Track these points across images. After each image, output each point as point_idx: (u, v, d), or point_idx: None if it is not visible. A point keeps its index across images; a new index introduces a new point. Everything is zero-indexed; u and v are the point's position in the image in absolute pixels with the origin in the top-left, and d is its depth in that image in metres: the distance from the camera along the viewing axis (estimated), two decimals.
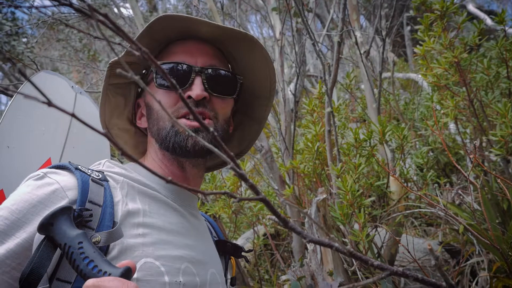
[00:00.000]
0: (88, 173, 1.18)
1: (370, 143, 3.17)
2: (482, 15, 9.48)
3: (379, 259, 3.17)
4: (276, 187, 3.93)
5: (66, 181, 1.14)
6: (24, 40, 8.29)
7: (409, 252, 2.68)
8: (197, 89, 1.30)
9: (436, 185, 4.10)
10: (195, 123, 1.27)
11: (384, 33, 4.08)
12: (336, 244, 0.59)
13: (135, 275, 1.06)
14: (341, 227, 2.99)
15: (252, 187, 0.56)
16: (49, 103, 0.48)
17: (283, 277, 3.24)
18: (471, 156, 3.04)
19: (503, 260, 2.51)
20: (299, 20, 4.90)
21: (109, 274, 0.90)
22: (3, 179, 2.08)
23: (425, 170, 3.68)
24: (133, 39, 0.52)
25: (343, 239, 3.00)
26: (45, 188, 1.12)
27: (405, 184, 3.22)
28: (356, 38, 3.99)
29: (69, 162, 1.22)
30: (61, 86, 2.44)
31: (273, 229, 4.66)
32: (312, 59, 10.35)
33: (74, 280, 1.02)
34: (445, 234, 4.25)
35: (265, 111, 1.56)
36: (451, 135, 4.86)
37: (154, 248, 1.15)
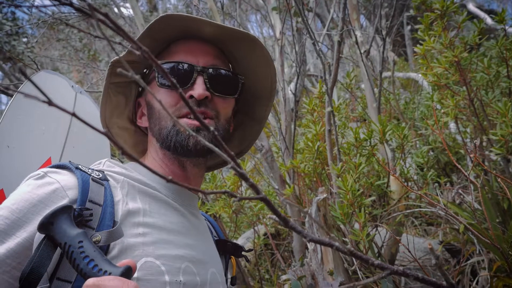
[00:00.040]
0: (89, 173, 1.18)
1: (370, 142, 3.17)
2: (482, 14, 9.48)
3: (379, 259, 3.17)
4: (277, 187, 3.93)
5: (66, 180, 1.14)
6: (25, 40, 8.29)
7: (409, 251, 2.68)
8: (199, 89, 1.30)
9: (436, 184, 4.11)
10: (196, 122, 1.27)
11: (384, 32, 4.08)
12: (337, 243, 0.59)
13: (135, 275, 1.06)
14: (342, 226, 2.99)
15: (253, 186, 0.56)
16: (50, 103, 0.48)
17: (284, 277, 3.24)
18: (472, 156, 3.04)
19: (503, 259, 2.51)
20: (299, 19, 4.90)
21: (110, 273, 0.90)
22: (3, 179, 2.08)
23: (425, 169, 3.68)
24: (133, 39, 0.52)
25: (344, 238, 3.01)
26: (46, 187, 1.12)
27: (406, 184, 3.22)
28: (356, 37, 3.99)
29: (70, 161, 1.22)
30: (61, 86, 2.44)
31: (274, 229, 4.66)
32: (313, 58, 10.35)
33: (75, 280, 1.02)
34: (445, 233, 4.25)
35: (266, 111, 1.56)
36: (451, 134, 4.86)
37: (155, 248, 1.15)
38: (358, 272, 2.91)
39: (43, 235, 1.01)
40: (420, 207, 3.29)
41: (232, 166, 0.55)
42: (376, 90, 4.04)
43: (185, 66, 1.33)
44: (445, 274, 0.70)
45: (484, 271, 3.08)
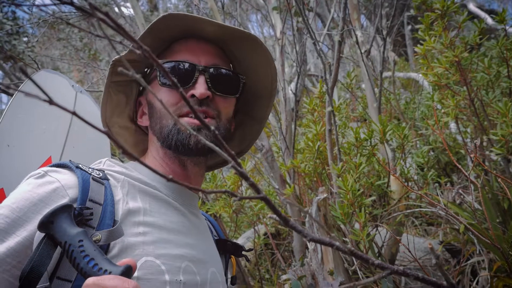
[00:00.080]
0: (89, 172, 1.18)
1: (370, 142, 3.17)
2: (482, 14, 9.47)
3: (379, 259, 3.17)
4: (277, 186, 3.93)
5: (67, 179, 1.14)
6: (25, 39, 8.29)
7: (409, 251, 2.68)
8: (200, 88, 1.30)
9: (436, 184, 4.11)
10: (197, 121, 1.27)
11: (384, 32, 4.08)
12: (337, 243, 0.59)
13: (135, 274, 1.06)
14: (342, 226, 2.99)
15: (253, 186, 0.56)
16: (51, 102, 0.48)
17: (284, 277, 3.24)
18: (472, 156, 3.04)
19: (503, 259, 2.51)
20: (300, 19, 4.90)
21: (110, 272, 0.90)
22: (3, 178, 2.08)
23: (425, 169, 3.68)
24: (134, 38, 0.52)
25: (344, 238, 3.01)
26: (46, 186, 1.12)
27: (406, 184, 3.22)
28: (356, 37, 3.99)
29: (70, 160, 1.22)
30: (61, 85, 2.44)
31: (274, 229, 4.66)
32: (313, 58, 10.35)
33: (75, 279, 1.02)
34: (445, 233, 4.25)
35: (266, 110, 1.57)
36: (451, 134, 4.85)
37: (155, 247, 1.15)
38: (358, 272, 2.91)
39: (43, 234, 1.01)
40: (420, 207, 3.29)
41: (233, 165, 0.55)
42: (376, 90, 4.04)
43: (187, 65, 1.33)
44: (445, 274, 0.70)
45: (484, 271, 3.08)
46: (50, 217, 0.99)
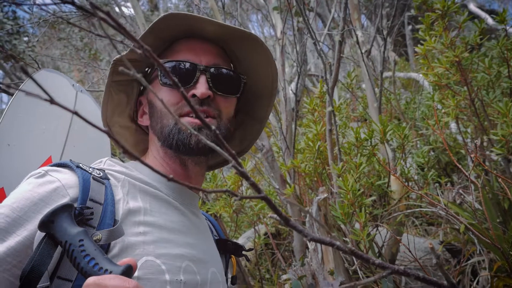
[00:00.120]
0: (89, 171, 1.18)
1: (371, 142, 3.17)
2: (483, 14, 9.47)
3: (380, 258, 3.17)
4: (277, 186, 3.93)
5: (67, 179, 1.14)
6: (26, 39, 8.28)
7: (410, 251, 2.68)
8: (201, 88, 1.30)
9: (437, 184, 4.11)
10: (198, 121, 1.27)
11: (385, 32, 4.08)
12: (338, 243, 0.59)
13: (136, 274, 1.06)
14: (342, 226, 2.99)
15: (254, 186, 0.57)
16: (51, 101, 0.48)
17: (284, 276, 3.24)
18: (472, 156, 3.04)
19: (504, 259, 2.51)
20: (300, 19, 4.90)
21: (110, 272, 0.90)
22: (4, 178, 2.08)
23: (426, 169, 3.67)
24: (135, 37, 0.52)
25: (344, 238, 3.01)
26: (46, 186, 1.12)
27: (406, 184, 3.22)
28: (357, 37, 3.99)
29: (70, 160, 1.22)
30: (61, 84, 2.44)
31: (274, 228, 4.66)
32: (313, 58, 10.35)
33: (75, 278, 1.02)
34: (446, 233, 4.25)
35: (267, 110, 1.57)
36: (452, 134, 4.85)
37: (155, 247, 1.15)
38: (359, 271, 2.91)
39: (44, 234, 1.01)
40: (420, 207, 3.29)
41: (233, 165, 0.55)
42: (377, 90, 4.04)
43: (188, 65, 1.33)
44: (445, 274, 0.70)
45: (484, 271, 3.08)
46: (51, 216, 0.99)
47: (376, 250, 3.20)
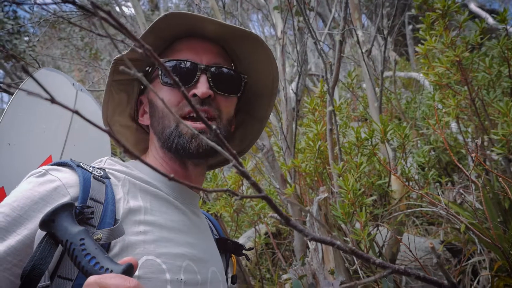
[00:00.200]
0: (90, 171, 1.18)
1: (371, 142, 3.17)
2: (483, 14, 9.46)
3: (380, 258, 3.17)
4: (278, 186, 3.93)
5: (67, 178, 1.14)
6: (26, 38, 8.28)
7: (410, 251, 2.67)
8: (202, 87, 1.30)
9: (437, 184, 4.10)
10: (199, 125, 1.27)
11: (385, 32, 4.08)
12: (338, 242, 0.59)
13: (136, 273, 1.06)
14: (343, 226, 2.99)
15: (254, 185, 0.56)
16: (52, 100, 0.48)
17: (285, 276, 3.24)
18: (473, 155, 3.03)
19: (504, 259, 2.51)
20: (301, 19, 4.90)
21: (111, 271, 0.90)
22: (4, 177, 2.08)
23: (426, 169, 3.67)
24: (136, 37, 0.52)
25: (345, 238, 3.01)
26: (47, 185, 1.12)
27: (407, 183, 3.22)
28: (357, 37, 3.99)
29: (71, 159, 1.22)
30: (62, 83, 2.44)
31: (275, 228, 4.66)
32: (314, 58, 10.35)
33: (76, 277, 1.02)
34: (446, 233, 4.25)
35: (267, 110, 1.56)
36: (452, 134, 4.85)
37: (156, 246, 1.15)
38: (359, 271, 2.91)
39: (44, 233, 1.01)
40: (421, 206, 3.28)
41: (234, 165, 0.55)
42: (377, 89, 4.04)
43: (188, 64, 1.33)
44: (446, 273, 0.70)
45: (485, 270, 3.07)
46: (51, 215, 0.99)
47: (377, 249, 3.20)
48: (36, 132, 2.26)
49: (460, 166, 2.36)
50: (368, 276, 3.09)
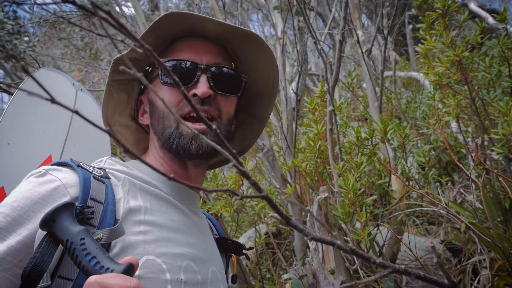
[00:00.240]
0: (90, 170, 1.18)
1: (371, 141, 3.17)
2: (483, 13, 9.45)
3: (380, 258, 3.17)
4: (278, 186, 3.93)
5: (68, 178, 1.14)
6: (26, 38, 8.28)
7: (410, 250, 2.68)
8: (202, 87, 1.30)
9: (437, 183, 4.10)
10: (200, 127, 1.27)
11: (385, 31, 4.07)
12: (339, 242, 0.59)
13: (136, 273, 1.06)
14: (343, 225, 2.99)
15: (254, 185, 0.56)
16: (52, 100, 0.48)
17: (285, 276, 3.24)
18: (473, 155, 3.03)
19: (504, 258, 2.51)
20: (301, 18, 4.90)
21: (112, 271, 0.90)
22: (4, 177, 2.08)
23: (426, 168, 3.67)
24: (136, 36, 0.52)
25: (345, 237, 3.01)
26: (47, 185, 1.12)
27: (407, 183, 3.22)
28: (358, 36, 3.99)
29: (71, 159, 1.22)
30: (62, 83, 2.44)
31: (275, 228, 4.66)
32: (314, 57, 10.35)
33: (76, 277, 1.02)
34: (446, 232, 4.25)
35: (267, 109, 1.56)
36: (452, 133, 4.85)
37: (156, 246, 1.15)
38: (360, 271, 2.91)
39: (44, 233, 1.01)
40: (421, 206, 3.28)
41: (234, 164, 0.55)
42: (377, 89, 4.04)
43: (188, 64, 1.33)
44: (446, 273, 0.70)
45: (485, 270, 3.08)
46: (52, 215, 0.99)
47: (377, 249, 3.20)
48: (36, 132, 2.26)
49: (460, 165, 2.36)
50: (368, 276, 3.09)
